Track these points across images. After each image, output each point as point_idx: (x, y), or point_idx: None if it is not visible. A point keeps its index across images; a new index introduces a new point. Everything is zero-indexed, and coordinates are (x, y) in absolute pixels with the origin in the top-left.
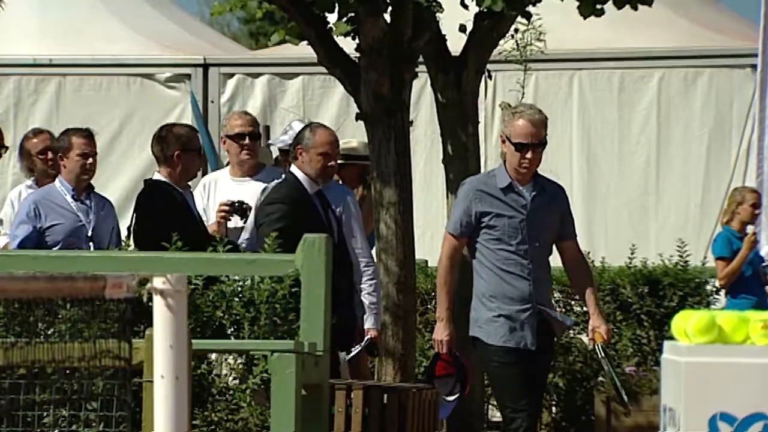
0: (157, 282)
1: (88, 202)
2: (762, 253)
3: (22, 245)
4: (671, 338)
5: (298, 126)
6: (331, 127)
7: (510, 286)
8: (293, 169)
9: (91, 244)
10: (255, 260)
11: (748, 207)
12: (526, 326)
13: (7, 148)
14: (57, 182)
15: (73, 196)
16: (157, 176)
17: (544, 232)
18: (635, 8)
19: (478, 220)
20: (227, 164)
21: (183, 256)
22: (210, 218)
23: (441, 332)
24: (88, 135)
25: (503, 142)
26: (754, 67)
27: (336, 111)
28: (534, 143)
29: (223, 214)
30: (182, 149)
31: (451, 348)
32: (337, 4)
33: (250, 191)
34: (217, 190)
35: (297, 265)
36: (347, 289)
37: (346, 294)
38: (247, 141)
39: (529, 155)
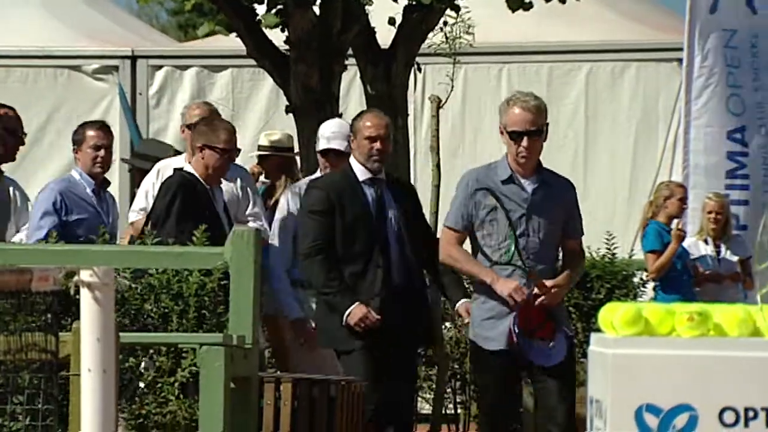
0: (85, 275)
1: (106, 197)
2: (685, 244)
3: (47, 237)
4: (598, 330)
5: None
6: (260, 120)
7: None
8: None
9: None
10: (183, 253)
11: (676, 201)
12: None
13: (26, 134)
14: (76, 174)
15: (93, 191)
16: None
17: (546, 228)
18: (563, 2)
19: (477, 213)
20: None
21: (110, 249)
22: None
23: (505, 286)
24: (101, 127)
25: (501, 133)
26: (680, 60)
27: (265, 103)
28: (530, 131)
29: None
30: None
31: (523, 292)
32: None
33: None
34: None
35: (226, 258)
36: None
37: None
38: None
39: (525, 144)
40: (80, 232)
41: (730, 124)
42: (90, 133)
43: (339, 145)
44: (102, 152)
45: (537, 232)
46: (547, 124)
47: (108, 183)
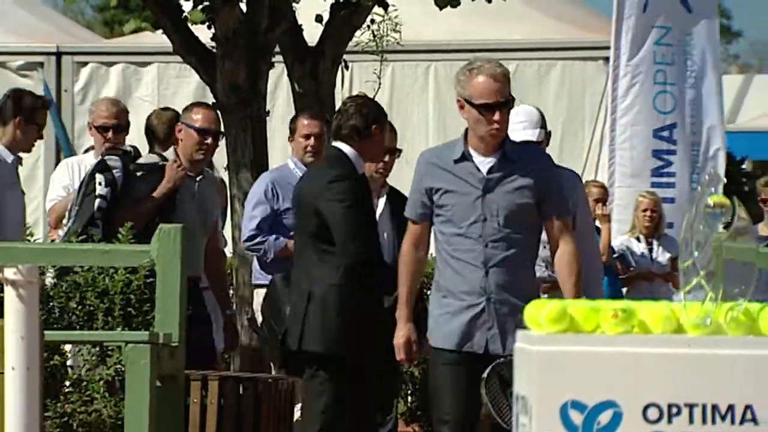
0: (9, 272)
1: None
2: (616, 243)
3: (259, 226)
4: (524, 327)
5: None
6: None
7: (460, 278)
8: (344, 148)
9: None
10: (109, 250)
11: (592, 201)
12: (476, 326)
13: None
14: (291, 163)
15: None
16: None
17: (508, 212)
18: (489, 0)
19: (431, 198)
20: (91, 148)
21: (35, 246)
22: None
23: (396, 336)
24: (312, 116)
25: (461, 107)
26: (606, 59)
27: (191, 100)
28: (501, 101)
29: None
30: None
31: (409, 352)
32: None
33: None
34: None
35: (152, 255)
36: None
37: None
38: (110, 134)
39: (497, 117)
40: (288, 221)
41: (657, 122)
42: (303, 121)
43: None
44: (312, 141)
45: (495, 215)
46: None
47: None
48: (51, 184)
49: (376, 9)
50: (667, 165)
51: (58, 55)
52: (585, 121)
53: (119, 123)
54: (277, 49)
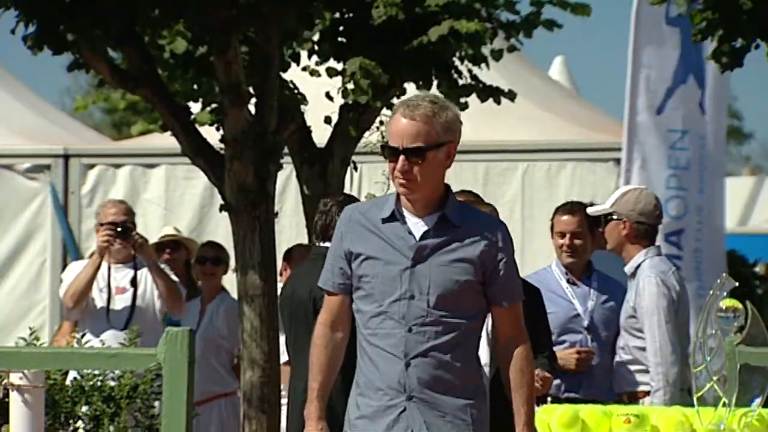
0: (14, 377)
1: (589, 282)
2: None
3: None
4: None
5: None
6: (194, 218)
7: (376, 371)
8: None
9: (587, 335)
10: (116, 354)
11: None
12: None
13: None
14: (553, 264)
15: (567, 280)
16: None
17: (442, 290)
18: (498, 102)
19: (350, 264)
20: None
21: (41, 351)
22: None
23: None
24: (568, 210)
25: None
26: (617, 161)
27: (199, 201)
28: (408, 148)
29: (106, 237)
30: None
31: None
32: (200, 94)
33: (127, 277)
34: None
35: (159, 359)
36: None
37: None
38: (120, 230)
39: (399, 165)
40: (552, 325)
41: (669, 227)
42: (560, 217)
43: None
44: (566, 239)
45: (425, 293)
46: (450, 143)
47: (590, 268)
48: (63, 284)
49: (385, 110)
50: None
51: (66, 157)
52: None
53: (127, 221)
54: (286, 150)
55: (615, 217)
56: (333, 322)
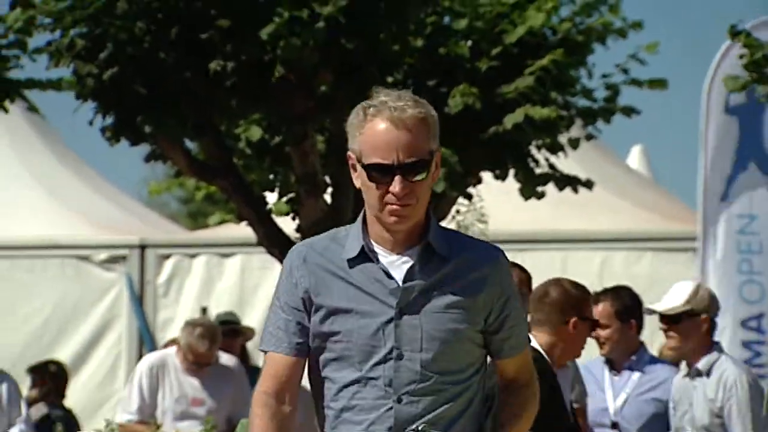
0: None
1: (629, 372)
2: None
3: None
4: None
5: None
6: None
7: None
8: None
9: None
10: None
11: None
12: None
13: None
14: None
15: (609, 369)
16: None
17: (440, 341)
18: (576, 191)
19: (309, 318)
20: (172, 342)
21: None
22: (165, 397)
23: None
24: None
25: (353, 168)
26: (695, 250)
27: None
28: (405, 163)
29: None
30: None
31: None
32: (277, 185)
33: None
34: (167, 376)
35: None
36: None
37: None
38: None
39: (397, 187)
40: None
41: (744, 312)
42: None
43: None
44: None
45: (417, 350)
46: (438, 150)
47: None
48: (130, 384)
49: (461, 199)
50: (757, 356)
51: (142, 247)
52: None
53: (211, 359)
54: None
55: (693, 313)
56: (279, 392)
